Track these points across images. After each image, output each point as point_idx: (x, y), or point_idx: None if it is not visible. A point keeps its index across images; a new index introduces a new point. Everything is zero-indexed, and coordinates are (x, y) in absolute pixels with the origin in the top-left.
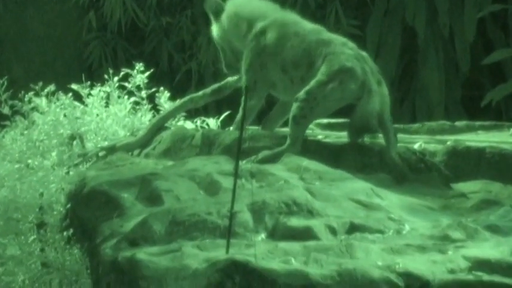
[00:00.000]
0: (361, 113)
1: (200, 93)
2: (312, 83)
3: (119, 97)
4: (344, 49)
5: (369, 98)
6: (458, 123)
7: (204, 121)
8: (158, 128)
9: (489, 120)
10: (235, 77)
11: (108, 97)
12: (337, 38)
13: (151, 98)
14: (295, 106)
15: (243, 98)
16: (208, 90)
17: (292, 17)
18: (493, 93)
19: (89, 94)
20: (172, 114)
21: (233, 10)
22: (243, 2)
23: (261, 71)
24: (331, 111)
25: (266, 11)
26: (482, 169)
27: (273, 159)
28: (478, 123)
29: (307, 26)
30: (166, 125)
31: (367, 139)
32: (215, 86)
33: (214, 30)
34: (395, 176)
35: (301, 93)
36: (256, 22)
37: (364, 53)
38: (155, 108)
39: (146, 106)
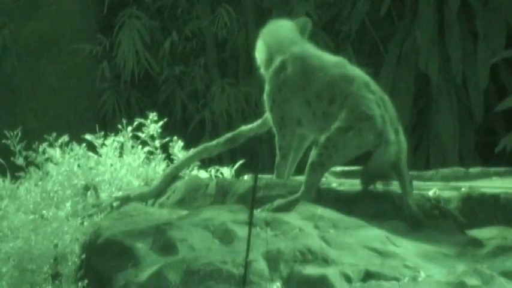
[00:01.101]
0: (376, 161)
1: (214, 142)
2: (333, 129)
3: (132, 147)
4: (366, 92)
5: (385, 148)
6: (472, 170)
7: (218, 170)
8: (172, 177)
9: (503, 166)
10: (248, 126)
11: (122, 147)
12: (360, 76)
13: (165, 148)
14: (314, 152)
15: (276, 139)
16: (222, 139)
17: (312, 49)
18: (507, 140)
19: (103, 144)
20: (186, 163)
21: (261, 38)
22: (268, 31)
23: (285, 106)
24: (348, 159)
25: (285, 43)
26: (497, 215)
27: (287, 207)
28: (492, 169)
29: (331, 58)
30: (180, 174)
31: (379, 186)
32: (229, 135)
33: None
34: (410, 223)
35: (322, 140)
36: (275, 55)
37: (385, 97)
38: (169, 157)
39: (160, 156)
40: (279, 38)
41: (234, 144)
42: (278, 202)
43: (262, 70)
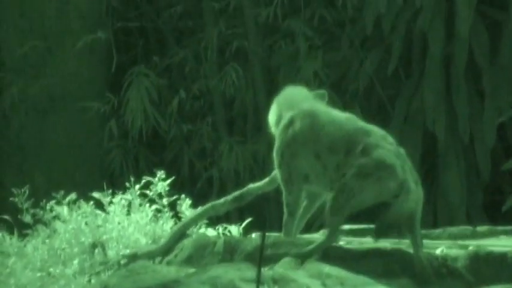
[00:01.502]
0: (395, 212)
1: (222, 200)
2: (349, 175)
3: (140, 205)
4: (384, 143)
5: (406, 197)
6: (480, 228)
7: (226, 228)
8: (180, 235)
9: (511, 225)
10: (256, 184)
11: (129, 205)
12: (376, 130)
13: (172, 206)
14: (330, 197)
15: (283, 195)
16: (229, 197)
17: (322, 106)
18: None
19: (111, 202)
20: (194, 221)
21: (276, 102)
22: (283, 93)
23: (293, 161)
24: (366, 206)
25: (295, 100)
26: (505, 274)
27: (313, 253)
28: (500, 227)
29: (341, 114)
30: (188, 232)
31: (392, 239)
32: (237, 193)
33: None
34: (419, 280)
35: (338, 185)
36: (286, 111)
37: (402, 150)
38: (177, 215)
39: (168, 214)
40: (289, 97)
41: (241, 203)
42: (305, 249)
43: (273, 129)
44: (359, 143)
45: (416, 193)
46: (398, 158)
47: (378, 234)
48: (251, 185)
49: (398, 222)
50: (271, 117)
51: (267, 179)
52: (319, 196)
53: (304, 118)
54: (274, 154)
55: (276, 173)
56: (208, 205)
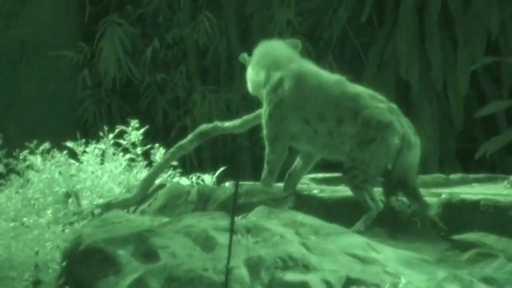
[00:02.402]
0: (401, 167)
1: (188, 137)
2: (354, 147)
3: (114, 154)
4: (375, 103)
5: (408, 151)
6: (452, 176)
7: (199, 177)
8: (152, 181)
9: (483, 172)
10: (225, 124)
11: (103, 154)
12: (364, 91)
13: (146, 155)
14: (347, 177)
15: (266, 152)
16: (195, 133)
17: (310, 66)
18: (486, 146)
19: (84, 151)
20: (164, 165)
21: (256, 60)
22: (263, 51)
23: (281, 122)
24: (382, 170)
25: (284, 60)
26: (477, 222)
27: (366, 226)
28: (472, 176)
29: (330, 77)
30: (163, 182)
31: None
32: (202, 128)
33: (247, 78)
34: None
35: (346, 163)
36: (274, 72)
37: (394, 105)
38: (151, 164)
39: (142, 163)
40: (276, 56)
41: (207, 138)
42: (359, 225)
43: (254, 91)
44: (350, 111)
45: (416, 145)
46: (393, 114)
47: (388, 193)
48: (218, 123)
49: (406, 177)
50: (255, 77)
51: (237, 121)
52: (313, 157)
53: (292, 80)
54: (262, 113)
55: (264, 130)
56: (175, 147)
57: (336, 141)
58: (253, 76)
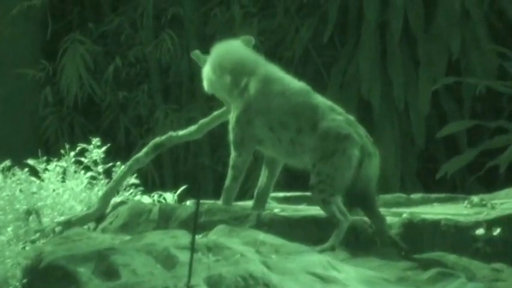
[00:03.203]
0: (362, 178)
1: (143, 150)
2: (316, 163)
3: (75, 172)
4: (333, 115)
5: (370, 161)
6: (413, 196)
7: (161, 195)
8: (112, 195)
9: (444, 192)
10: (180, 132)
11: (64, 172)
12: (324, 102)
13: (108, 173)
14: (314, 192)
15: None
16: (150, 145)
17: (276, 71)
18: (447, 166)
19: (45, 169)
20: (122, 178)
21: (217, 61)
22: (225, 52)
23: (248, 127)
24: (347, 182)
25: (250, 64)
26: (438, 241)
27: (339, 241)
28: (433, 195)
29: (294, 84)
30: (124, 200)
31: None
32: (157, 140)
33: (204, 77)
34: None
35: (312, 179)
36: (241, 77)
37: (351, 117)
38: None
39: (103, 181)
40: (240, 59)
41: (163, 149)
42: (331, 242)
43: (210, 89)
44: (308, 121)
45: (375, 155)
46: (351, 126)
47: (350, 205)
48: (172, 133)
49: (367, 188)
50: (215, 78)
51: (193, 127)
52: (277, 163)
53: (258, 84)
54: (230, 118)
55: (230, 135)
56: (131, 160)
57: (298, 150)
58: (212, 77)
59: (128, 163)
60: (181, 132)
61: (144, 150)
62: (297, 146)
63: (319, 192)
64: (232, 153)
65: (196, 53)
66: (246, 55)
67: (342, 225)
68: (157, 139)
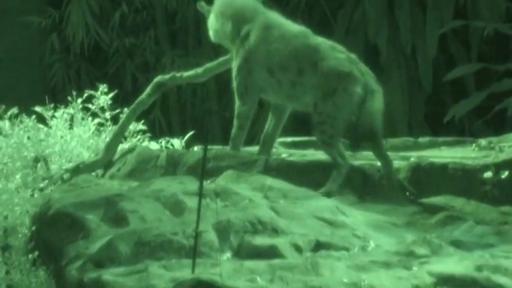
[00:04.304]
0: (366, 115)
1: (146, 91)
2: (318, 102)
3: (82, 119)
4: (335, 53)
5: (372, 98)
6: (421, 140)
7: (168, 141)
8: (119, 140)
9: (452, 136)
10: (185, 73)
11: (72, 119)
12: (324, 42)
13: (115, 119)
14: (316, 132)
15: (236, 105)
16: (152, 85)
17: (275, 18)
18: (455, 109)
19: (53, 116)
20: (127, 122)
21: (219, 10)
22: (226, 1)
23: (250, 75)
24: (349, 120)
25: (249, 12)
26: (446, 185)
27: (337, 185)
28: (441, 139)
29: (293, 28)
30: (132, 146)
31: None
32: (159, 79)
33: (209, 26)
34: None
35: (314, 119)
36: (241, 25)
37: (353, 55)
38: None
39: (110, 127)
40: (240, 8)
41: (164, 89)
42: (328, 187)
43: (216, 39)
44: (309, 61)
45: (378, 91)
46: (352, 63)
47: (354, 144)
48: (176, 73)
49: (372, 125)
50: (219, 27)
51: (199, 69)
52: (283, 110)
53: (258, 31)
54: (232, 66)
55: (234, 83)
56: (135, 102)
57: (299, 91)
58: (216, 26)
59: (132, 106)
60: (185, 74)
61: (147, 90)
62: (298, 87)
63: (320, 133)
64: (237, 102)
65: (202, 4)
66: (245, 3)
67: (340, 169)
68: (160, 77)
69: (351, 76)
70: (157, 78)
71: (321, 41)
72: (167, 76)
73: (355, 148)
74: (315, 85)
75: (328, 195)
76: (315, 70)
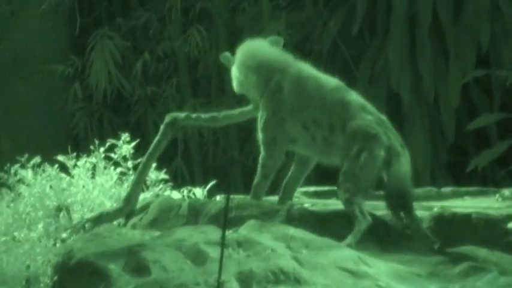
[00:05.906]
0: (395, 179)
1: (160, 131)
2: (344, 161)
3: (105, 168)
4: (364, 115)
5: (398, 161)
6: (444, 190)
7: (190, 191)
8: (139, 188)
9: (475, 185)
10: (202, 114)
11: (94, 168)
12: (356, 100)
13: (137, 169)
14: (339, 191)
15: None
16: (166, 123)
17: (308, 70)
18: (478, 159)
19: (75, 165)
20: (146, 167)
21: (242, 60)
22: (249, 51)
23: (280, 126)
24: (373, 182)
25: (278, 63)
26: (469, 235)
27: (356, 241)
28: (464, 189)
29: (329, 82)
30: (153, 195)
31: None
32: (173, 116)
33: (233, 78)
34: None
35: (340, 176)
36: (269, 76)
37: (383, 117)
38: None
39: (132, 176)
40: (267, 59)
41: (178, 127)
42: (351, 238)
43: (240, 90)
44: (339, 119)
45: (405, 156)
46: (380, 126)
47: (393, 209)
48: (190, 113)
49: (403, 187)
50: (242, 78)
51: (219, 114)
52: (309, 162)
53: (291, 83)
54: (259, 118)
55: (260, 135)
56: (151, 147)
57: (330, 148)
58: (240, 77)
59: (148, 151)
60: (203, 116)
61: (160, 130)
62: (330, 145)
63: (344, 191)
64: (262, 153)
65: (225, 55)
66: (272, 53)
67: (360, 226)
68: (174, 115)
69: (376, 138)
70: (170, 116)
71: (353, 98)
72: (182, 115)
73: (393, 211)
74: (342, 144)
75: (350, 246)
76: (344, 129)
